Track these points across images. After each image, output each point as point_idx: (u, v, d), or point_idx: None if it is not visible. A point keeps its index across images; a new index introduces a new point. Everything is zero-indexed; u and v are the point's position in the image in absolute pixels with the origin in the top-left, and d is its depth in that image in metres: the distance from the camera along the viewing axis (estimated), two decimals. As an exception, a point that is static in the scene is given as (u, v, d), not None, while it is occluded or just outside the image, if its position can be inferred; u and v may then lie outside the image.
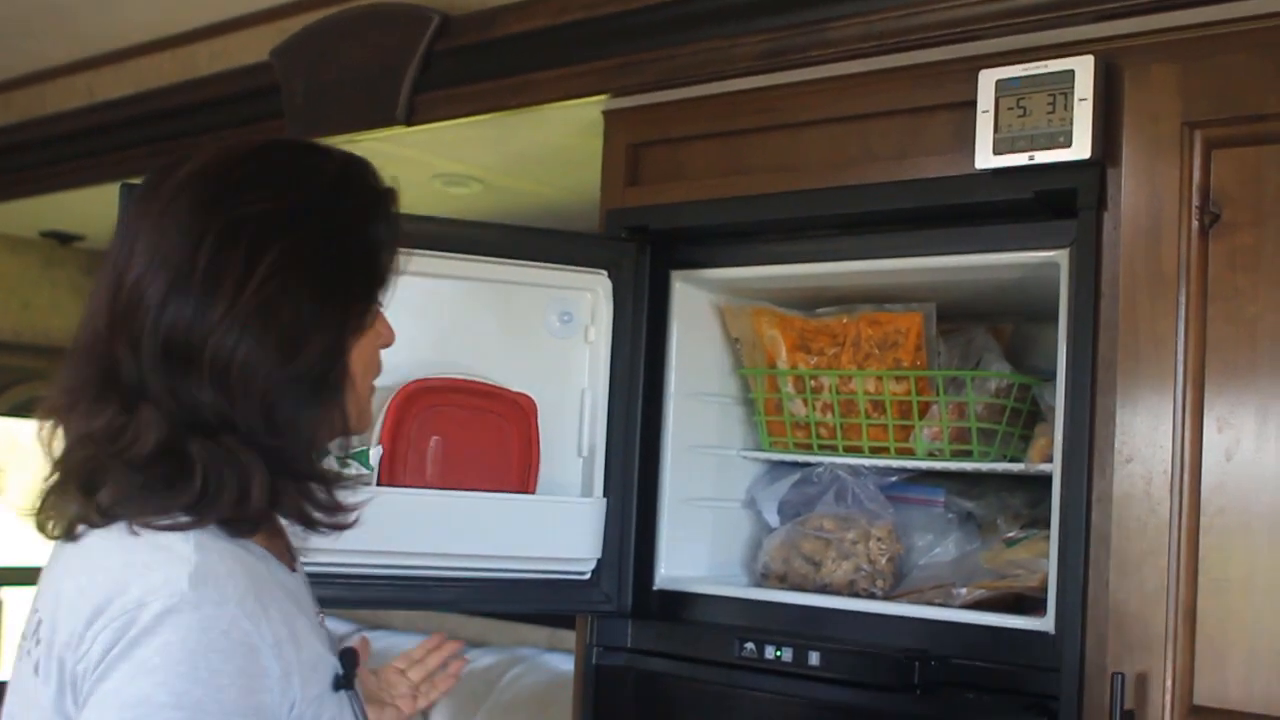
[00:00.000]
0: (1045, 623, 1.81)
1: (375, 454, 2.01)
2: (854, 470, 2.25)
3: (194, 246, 1.26)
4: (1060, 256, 1.85)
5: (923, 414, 2.17)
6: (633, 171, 2.31)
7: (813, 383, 2.26)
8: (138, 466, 1.25)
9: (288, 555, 1.39)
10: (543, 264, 2.19)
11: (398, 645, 4.28)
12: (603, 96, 2.32)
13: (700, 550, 2.31)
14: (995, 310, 2.28)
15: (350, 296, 1.33)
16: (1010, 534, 2.16)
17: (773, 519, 2.35)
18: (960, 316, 2.27)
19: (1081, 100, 1.79)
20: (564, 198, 3.13)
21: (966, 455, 2.15)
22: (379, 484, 2.05)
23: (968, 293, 2.16)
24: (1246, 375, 1.68)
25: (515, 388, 2.18)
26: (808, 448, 2.30)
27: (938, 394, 2.15)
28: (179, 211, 1.28)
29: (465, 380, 2.14)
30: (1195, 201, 1.72)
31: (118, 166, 3.17)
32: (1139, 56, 1.78)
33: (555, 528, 2.15)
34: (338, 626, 4.48)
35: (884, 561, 2.17)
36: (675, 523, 2.27)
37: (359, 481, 1.93)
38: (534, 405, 2.17)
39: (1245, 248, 1.69)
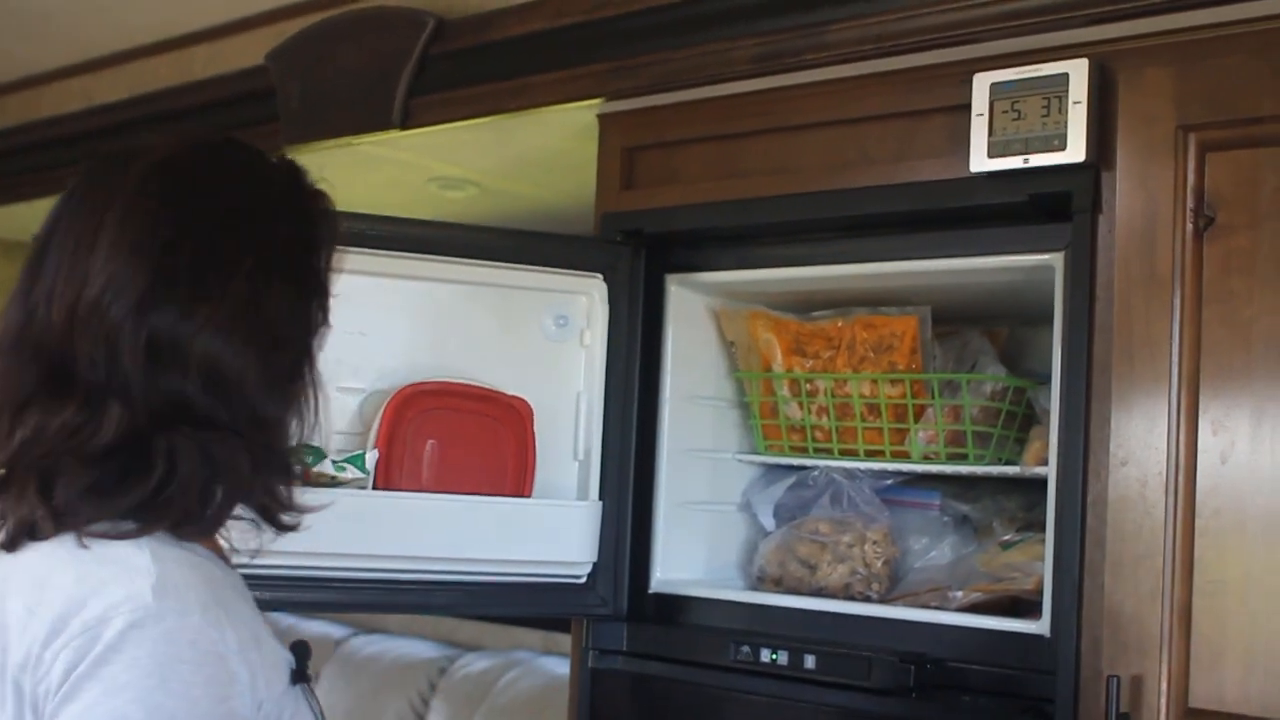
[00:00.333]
0: (1041, 626, 1.81)
1: (371, 458, 2.01)
2: (849, 473, 2.25)
3: (173, 243, 1.25)
4: (1055, 259, 1.85)
5: (918, 417, 2.18)
6: (628, 175, 2.31)
7: (808, 386, 2.26)
8: (94, 460, 1.23)
9: (224, 552, 1.37)
10: (538, 268, 2.19)
11: (392, 649, 4.31)
12: (598, 100, 2.32)
13: (696, 554, 2.31)
14: (990, 313, 2.28)
15: (317, 290, 1.34)
16: (1006, 537, 2.16)
17: (768, 522, 2.35)
18: (955, 320, 2.27)
19: (1076, 103, 1.79)
20: (559, 201, 3.13)
21: (962, 458, 2.15)
22: (374, 488, 2.05)
23: (963, 296, 2.16)
24: (1241, 378, 1.68)
25: (510, 391, 2.18)
26: (803, 451, 2.30)
27: (933, 397, 2.15)
28: (150, 207, 1.26)
29: (461, 384, 2.14)
30: (1190, 204, 1.72)
31: (114, 170, 3.16)
32: (1133, 60, 1.79)
33: (551, 531, 2.15)
34: (332, 630, 4.48)
35: (880, 565, 2.17)
36: (671, 526, 2.26)
37: (356, 485, 1.94)
38: (530, 409, 2.17)
39: (1240, 250, 1.69)
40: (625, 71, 2.26)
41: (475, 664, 4.03)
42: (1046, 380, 1.97)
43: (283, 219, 1.32)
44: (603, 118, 2.35)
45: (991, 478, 2.17)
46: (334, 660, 4.31)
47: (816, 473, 2.28)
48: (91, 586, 1.19)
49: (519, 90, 2.40)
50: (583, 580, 2.19)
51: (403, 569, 2.08)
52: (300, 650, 1.35)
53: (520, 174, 3.01)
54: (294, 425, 1.33)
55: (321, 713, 1.39)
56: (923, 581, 2.16)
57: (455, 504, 2.09)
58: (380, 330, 2.11)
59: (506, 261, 2.17)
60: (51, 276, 1.27)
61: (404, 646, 4.29)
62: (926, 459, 2.18)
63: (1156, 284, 1.73)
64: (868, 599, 2.15)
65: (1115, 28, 1.80)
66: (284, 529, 1.34)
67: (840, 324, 2.25)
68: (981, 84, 1.87)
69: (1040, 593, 1.86)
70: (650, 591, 2.23)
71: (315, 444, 1.94)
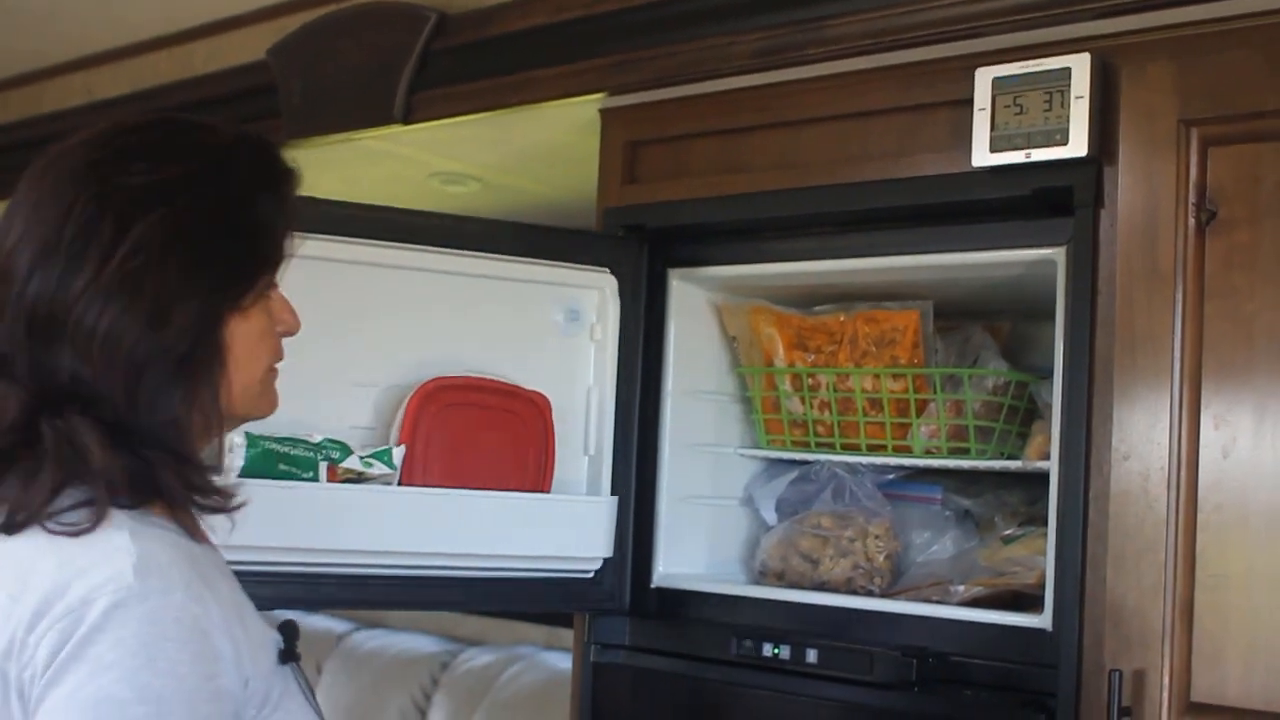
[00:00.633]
0: (1043, 620, 1.81)
1: (398, 453, 1.99)
2: (851, 468, 2.25)
3: (64, 215, 1.25)
4: (1057, 254, 1.85)
5: (920, 412, 2.18)
6: (630, 169, 2.31)
7: (810, 380, 2.26)
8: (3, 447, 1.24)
9: (203, 533, 1.36)
10: (550, 262, 2.18)
11: (394, 644, 4.31)
12: (600, 94, 2.32)
13: (698, 548, 2.31)
14: (992, 308, 2.28)
15: (226, 273, 1.30)
16: (1008, 531, 2.16)
17: (770, 517, 2.36)
18: (957, 314, 2.27)
19: (1078, 98, 1.79)
20: (561, 196, 3.13)
21: (964, 453, 2.15)
22: (398, 484, 2.04)
23: (965, 290, 2.16)
24: (1243, 373, 1.68)
25: (524, 386, 2.17)
26: (805, 445, 2.30)
27: (935, 392, 2.15)
28: (55, 181, 1.27)
29: (483, 379, 2.13)
30: (1192, 199, 1.72)
31: (115, 165, 3.16)
32: (1135, 54, 1.78)
33: (569, 527, 2.15)
34: (334, 625, 4.48)
35: (882, 559, 2.17)
36: (673, 521, 2.27)
37: (382, 481, 1.91)
38: (549, 404, 2.16)
39: (1242, 245, 1.69)
40: (627, 66, 2.26)
41: (478, 659, 4.04)
42: (1048, 375, 1.97)
43: (199, 197, 1.29)
44: (605, 112, 2.35)
45: (993, 472, 2.17)
46: (336, 655, 4.31)
47: (818, 467, 2.28)
48: (74, 570, 1.19)
49: (521, 85, 2.40)
50: (590, 575, 2.18)
51: (422, 565, 2.07)
52: (288, 630, 1.34)
53: (522, 169, 3.01)
54: (194, 410, 1.29)
55: (311, 691, 1.38)
56: (925, 576, 2.17)
57: (482, 500, 2.07)
58: (393, 325, 2.09)
59: (519, 255, 2.16)
60: None
61: (406, 641, 4.30)
62: (928, 453, 2.18)
63: (1158, 279, 1.73)
64: (870, 593, 2.15)
65: (1117, 22, 1.80)
66: (208, 512, 1.32)
67: (842, 318, 2.25)
68: (984, 79, 1.87)
69: (1042, 587, 1.86)
70: (652, 586, 2.23)
71: (383, 448, 1.93)
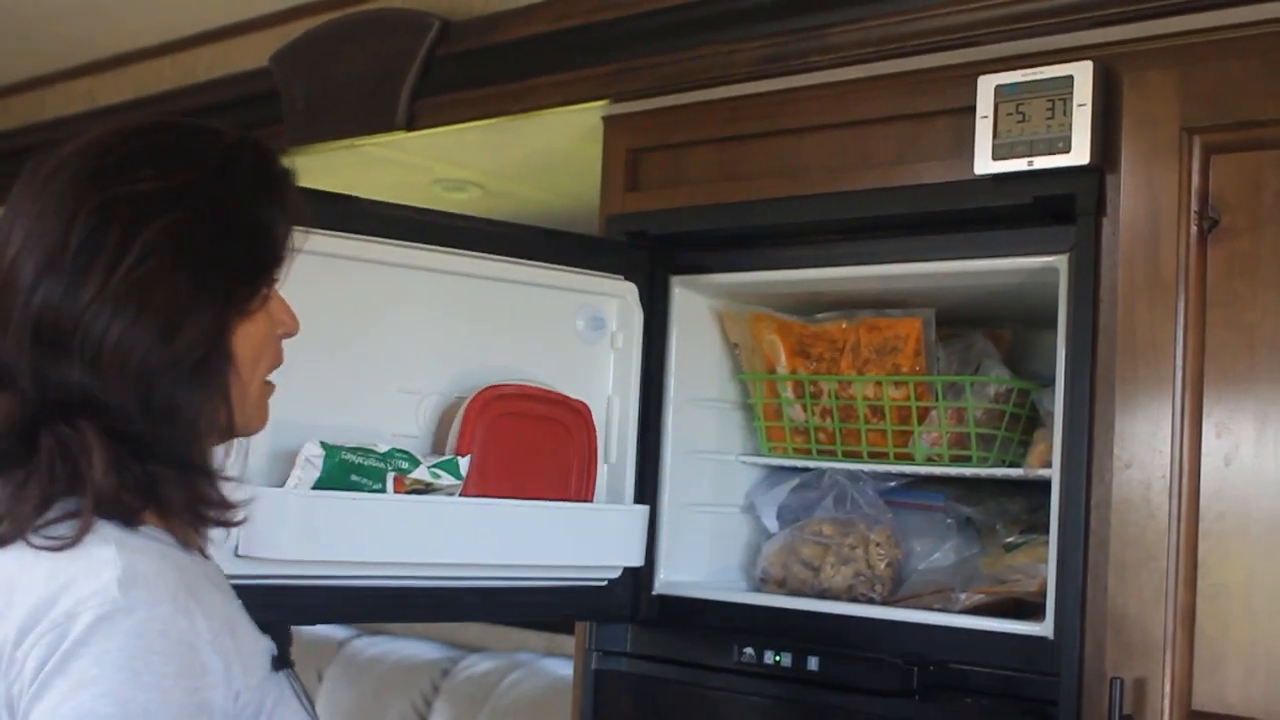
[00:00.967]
0: (1044, 628, 1.81)
1: (465, 463, 1.94)
2: (853, 475, 2.25)
3: (67, 225, 1.24)
4: (1059, 262, 1.85)
5: (922, 419, 2.18)
6: (632, 177, 2.32)
7: (812, 388, 2.26)
8: None
9: (200, 543, 1.35)
10: (574, 269, 2.16)
11: (395, 650, 4.31)
12: (602, 102, 2.32)
13: (699, 555, 2.31)
14: (994, 315, 2.28)
15: (232, 278, 1.30)
16: (1009, 539, 2.16)
17: (772, 524, 2.36)
18: (959, 322, 2.28)
19: (1080, 106, 1.79)
20: (564, 203, 3.13)
21: (965, 460, 2.15)
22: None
23: (967, 298, 2.16)
24: (1245, 381, 1.68)
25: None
26: (807, 453, 2.30)
27: (937, 399, 2.15)
28: (58, 190, 1.26)
29: (532, 387, 2.10)
30: (1194, 207, 1.72)
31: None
32: (1138, 62, 1.79)
33: (609, 536, 2.13)
34: (335, 631, 4.48)
35: (883, 566, 2.17)
36: (674, 528, 2.26)
37: (447, 491, 1.88)
38: (590, 412, 2.14)
39: (1244, 253, 1.69)
40: (629, 74, 2.26)
41: (478, 665, 4.04)
42: (1050, 383, 1.97)
43: (203, 203, 1.28)
44: (607, 120, 2.35)
45: (995, 480, 2.17)
46: (337, 662, 4.31)
47: (820, 474, 2.28)
48: (61, 583, 1.18)
49: (523, 92, 2.41)
50: (605, 584, 2.16)
51: (469, 576, 2.03)
52: (280, 635, 1.34)
53: (524, 176, 3.02)
54: (207, 418, 1.28)
55: (308, 697, 1.38)
56: (926, 583, 2.16)
57: (543, 510, 2.05)
58: (429, 330, 2.04)
59: (546, 261, 2.13)
60: None
61: (407, 648, 4.30)
62: (930, 461, 2.18)
63: (1160, 287, 1.73)
64: (871, 601, 2.15)
65: (1120, 30, 1.80)
66: (212, 524, 1.31)
67: (844, 326, 2.25)
68: (986, 86, 1.88)
69: (1043, 595, 1.86)
70: (654, 593, 2.23)
71: (449, 457, 1.90)
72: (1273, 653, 1.64)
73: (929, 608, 2.07)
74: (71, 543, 1.20)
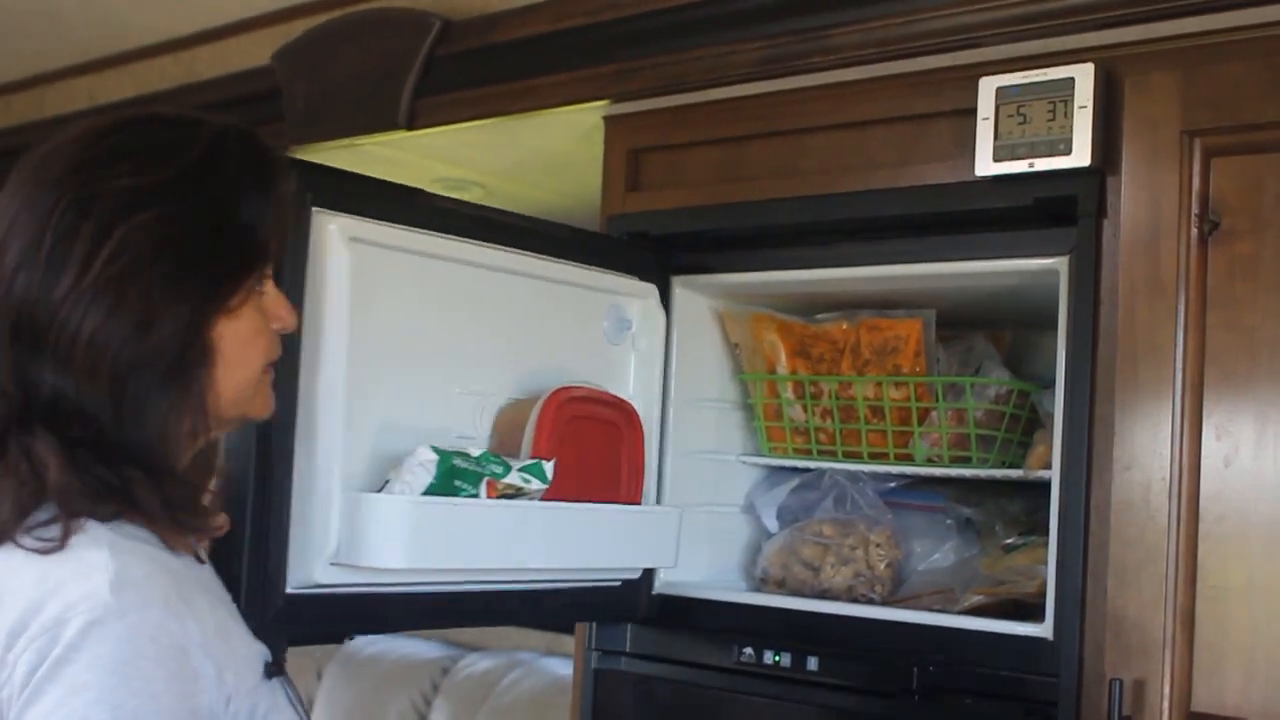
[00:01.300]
0: (1044, 629, 1.82)
1: (550, 467, 1.90)
2: (853, 476, 2.26)
3: (46, 219, 1.24)
4: (1059, 264, 1.86)
5: (922, 420, 2.18)
6: (633, 177, 2.32)
7: (812, 388, 2.26)
8: None
9: (193, 547, 1.35)
10: (603, 269, 2.14)
11: (394, 649, 4.30)
12: (603, 102, 2.32)
13: (699, 555, 2.31)
14: (995, 317, 2.28)
15: (210, 276, 1.29)
16: (1009, 540, 2.16)
17: (772, 524, 2.36)
18: (960, 323, 2.28)
19: (1081, 108, 1.79)
20: (564, 203, 3.13)
21: (965, 461, 2.15)
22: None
23: (967, 299, 2.16)
24: (1245, 383, 1.68)
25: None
26: (807, 453, 2.30)
27: (937, 400, 2.16)
28: (39, 182, 1.26)
29: (592, 389, 2.08)
30: (1194, 210, 1.72)
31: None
32: (1139, 64, 1.79)
33: (655, 536, 2.11)
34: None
35: (883, 567, 2.17)
36: (675, 528, 2.26)
37: (532, 495, 1.85)
38: (638, 414, 2.12)
39: (1244, 256, 1.69)
40: (630, 74, 2.26)
41: (478, 664, 4.04)
42: (1050, 384, 1.98)
43: (182, 200, 1.28)
44: (608, 120, 2.35)
45: (995, 481, 2.17)
46: (336, 660, 4.31)
47: (820, 475, 2.29)
48: (50, 587, 1.18)
49: (524, 92, 2.41)
50: (619, 584, 2.15)
51: (519, 580, 1.99)
52: (274, 642, 1.34)
53: (525, 176, 3.01)
54: (182, 416, 1.28)
55: (302, 703, 1.38)
56: (926, 584, 2.17)
57: (616, 514, 2.03)
58: (486, 332, 2.00)
59: (582, 261, 2.11)
60: None
61: (406, 646, 4.29)
62: (930, 462, 2.18)
63: (1160, 289, 1.73)
64: (871, 601, 2.16)
65: (1121, 33, 1.80)
66: (190, 530, 1.31)
67: (845, 326, 2.25)
68: (987, 88, 1.88)
69: (1043, 596, 1.86)
70: (654, 593, 2.23)
71: (533, 461, 1.88)
72: (1272, 655, 1.64)
73: (929, 608, 2.08)
74: (59, 545, 1.20)
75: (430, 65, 2.53)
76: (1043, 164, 1.82)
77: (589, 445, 2.03)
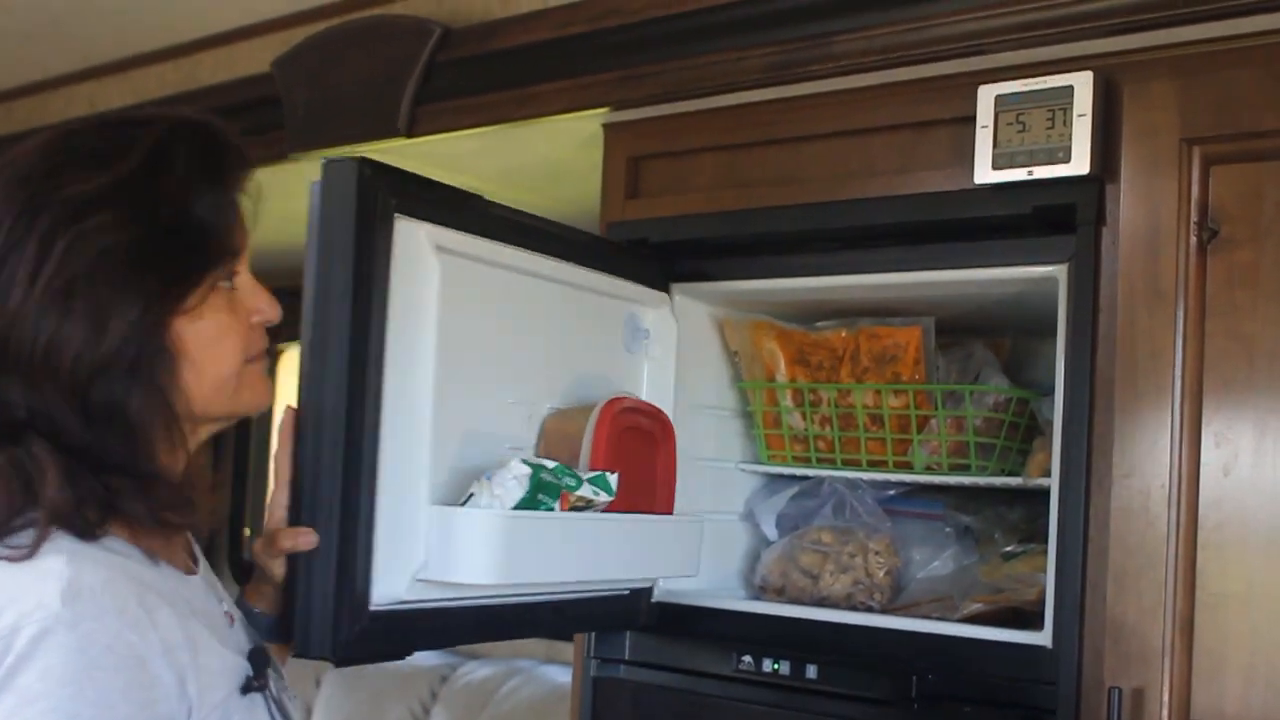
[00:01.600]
0: (1043, 637, 1.81)
1: (614, 479, 1.88)
2: (852, 484, 2.26)
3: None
4: (1059, 271, 1.86)
5: (921, 428, 2.18)
6: (633, 184, 2.32)
7: (811, 396, 2.26)
8: None
9: (183, 557, 1.35)
10: (622, 278, 2.13)
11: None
12: (604, 109, 2.32)
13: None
14: (994, 324, 2.29)
15: (162, 276, 1.28)
16: (1008, 548, 2.16)
17: (771, 532, 2.36)
18: (959, 330, 2.28)
19: (1081, 116, 1.79)
20: (564, 210, 3.11)
21: (964, 469, 2.15)
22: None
23: (967, 307, 2.16)
24: (1244, 391, 1.68)
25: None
26: (806, 461, 2.30)
27: (936, 408, 2.16)
28: None
29: (637, 400, 2.07)
30: (1194, 218, 1.73)
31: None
32: (1138, 73, 1.79)
33: (687, 545, 2.10)
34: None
35: (882, 575, 2.17)
36: (674, 535, 2.26)
37: (598, 507, 1.84)
38: (672, 424, 2.11)
39: (1244, 264, 1.69)
40: (631, 81, 2.26)
41: (477, 672, 4.03)
42: (1049, 392, 1.98)
43: (127, 204, 1.27)
44: (608, 127, 2.35)
45: (994, 489, 2.17)
46: (334, 668, 4.31)
47: (819, 483, 2.29)
48: (10, 595, 1.17)
49: (524, 99, 2.41)
50: (627, 593, 2.13)
51: (550, 591, 1.95)
52: (256, 658, 1.33)
53: (525, 183, 3.01)
54: (155, 415, 1.27)
55: (286, 717, 1.37)
56: (925, 592, 2.17)
57: (665, 524, 2.03)
58: (532, 341, 1.98)
59: (607, 270, 2.10)
60: None
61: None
62: (929, 470, 2.18)
63: (1160, 297, 1.73)
64: (870, 609, 2.15)
65: (1120, 41, 1.80)
66: (175, 529, 1.30)
67: (844, 334, 2.25)
68: (986, 96, 1.88)
69: (1042, 604, 1.86)
70: (653, 600, 2.23)
71: (599, 472, 1.86)
72: (1271, 662, 1.64)
73: (927, 616, 2.07)
74: (28, 554, 1.19)
75: (431, 72, 2.53)
76: (1042, 172, 1.82)
77: (631, 455, 2.01)
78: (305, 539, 1.46)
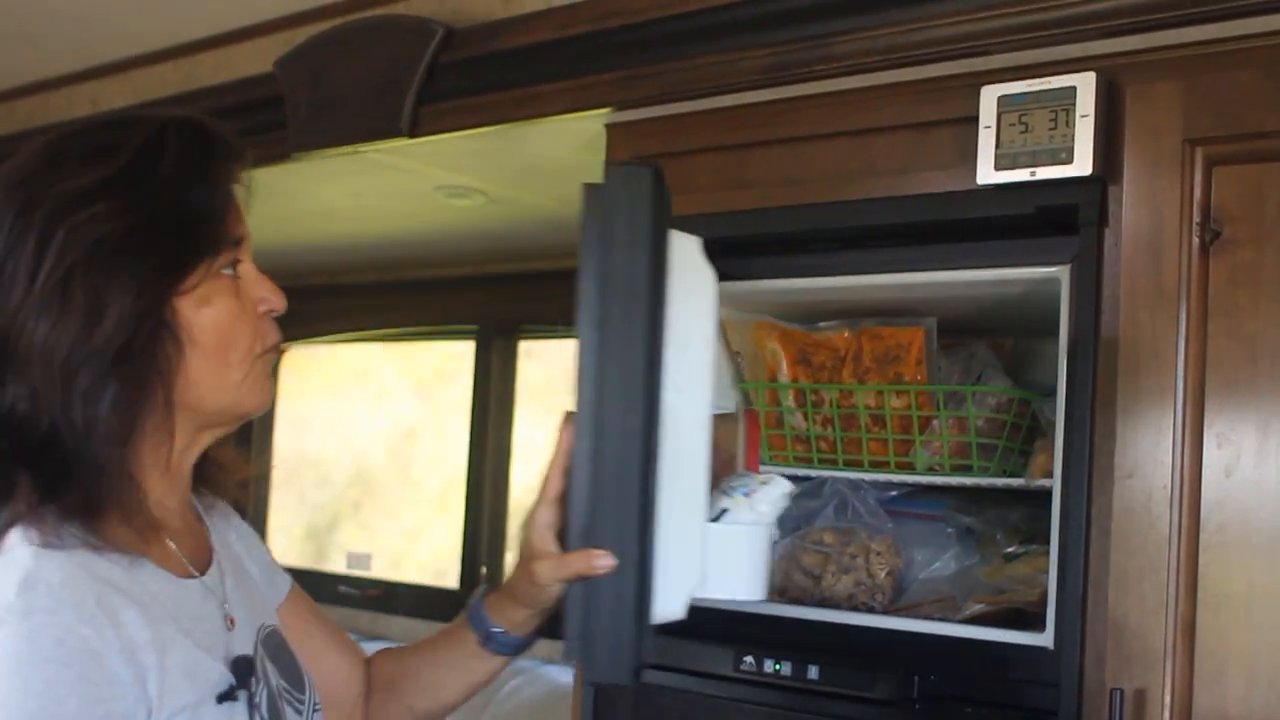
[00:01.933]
0: (1044, 638, 1.81)
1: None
2: (854, 484, 2.25)
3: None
4: (1061, 272, 1.86)
5: (923, 429, 2.18)
6: (635, 184, 2.31)
7: (813, 397, 2.26)
8: None
9: (179, 559, 1.35)
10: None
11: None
12: (606, 109, 2.32)
13: (700, 563, 2.31)
14: (996, 325, 2.28)
15: (157, 259, 1.29)
16: (1010, 549, 2.16)
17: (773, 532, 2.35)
18: (961, 331, 2.28)
19: (1083, 117, 1.79)
20: (566, 210, 3.12)
21: (966, 470, 2.15)
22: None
23: (969, 307, 2.16)
24: (1247, 391, 1.68)
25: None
26: (808, 461, 2.30)
27: (938, 409, 2.15)
28: None
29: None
30: (1196, 218, 1.72)
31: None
32: (1141, 73, 1.79)
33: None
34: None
35: (883, 575, 2.17)
36: (675, 535, 2.26)
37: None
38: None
39: (1246, 264, 1.69)
40: (633, 81, 2.26)
41: (477, 672, 4.03)
42: (1052, 392, 1.97)
43: (119, 198, 1.28)
44: (610, 127, 2.35)
45: (996, 490, 2.17)
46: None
47: (821, 483, 2.28)
48: None
49: (527, 99, 2.41)
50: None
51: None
52: (241, 667, 1.32)
53: (527, 183, 3.02)
54: (141, 408, 1.28)
55: None
56: (927, 592, 2.17)
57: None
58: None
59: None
60: None
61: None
62: (931, 470, 2.18)
63: (1162, 297, 1.73)
64: (871, 610, 2.15)
65: (1123, 42, 1.81)
66: (141, 528, 1.30)
67: (846, 335, 2.25)
68: (989, 96, 1.88)
69: (1044, 605, 1.86)
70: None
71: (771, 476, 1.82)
72: (1274, 664, 1.64)
73: (929, 617, 2.07)
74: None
75: (433, 72, 2.53)
76: (1044, 172, 1.82)
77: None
78: (604, 562, 1.41)
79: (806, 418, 2.28)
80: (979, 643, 1.89)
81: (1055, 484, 1.84)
